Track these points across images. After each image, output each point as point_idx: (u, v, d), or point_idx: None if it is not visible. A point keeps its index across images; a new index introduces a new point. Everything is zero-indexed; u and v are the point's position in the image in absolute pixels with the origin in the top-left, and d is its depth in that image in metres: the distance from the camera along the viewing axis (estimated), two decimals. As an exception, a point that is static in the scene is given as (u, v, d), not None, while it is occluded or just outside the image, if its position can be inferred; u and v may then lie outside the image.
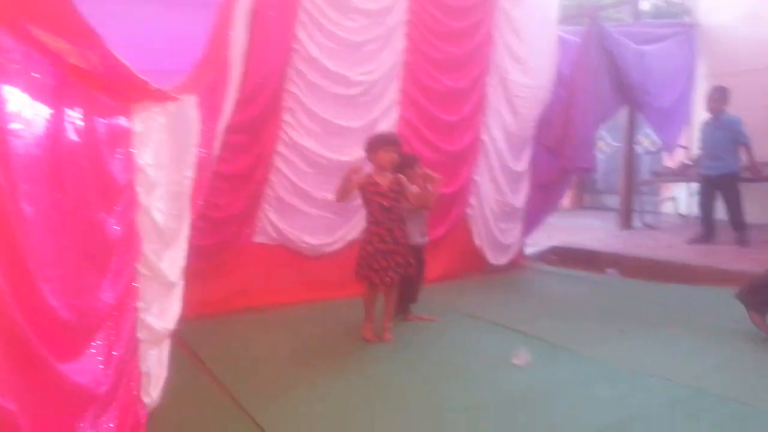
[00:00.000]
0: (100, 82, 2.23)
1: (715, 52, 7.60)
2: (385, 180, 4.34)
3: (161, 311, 2.84)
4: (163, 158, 2.95)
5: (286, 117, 5.29)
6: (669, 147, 7.48)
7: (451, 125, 5.86)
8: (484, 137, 6.06)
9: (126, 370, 2.62)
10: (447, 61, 5.72)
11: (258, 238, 5.46)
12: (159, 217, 2.88)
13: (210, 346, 4.28)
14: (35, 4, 1.74)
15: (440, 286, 5.42)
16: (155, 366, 2.96)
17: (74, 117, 2.12)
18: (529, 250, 7.06)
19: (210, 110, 3.89)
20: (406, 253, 4.35)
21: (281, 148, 5.34)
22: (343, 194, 4.41)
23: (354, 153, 5.42)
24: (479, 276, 6.06)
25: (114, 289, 2.47)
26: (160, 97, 2.71)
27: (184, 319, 4.58)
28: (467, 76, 5.83)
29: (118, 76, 2.24)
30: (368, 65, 5.42)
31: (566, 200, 10.27)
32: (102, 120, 2.35)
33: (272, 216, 5.45)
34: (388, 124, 5.61)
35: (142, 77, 2.42)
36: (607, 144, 9.91)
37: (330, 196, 5.42)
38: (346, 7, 5.22)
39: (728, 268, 5.30)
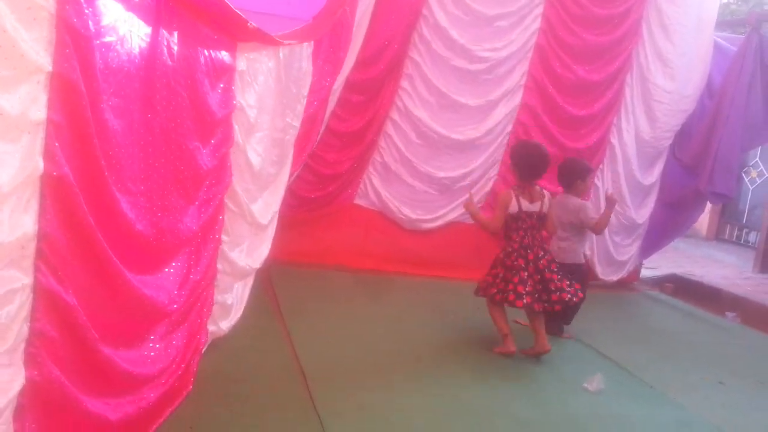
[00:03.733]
0: (204, 13, 2.27)
1: None
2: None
3: (249, 249, 2.92)
4: (267, 102, 3.00)
5: (404, 83, 5.24)
6: None
7: (578, 120, 5.49)
8: (613, 140, 5.62)
9: (201, 295, 2.72)
10: (583, 49, 5.34)
11: (358, 201, 5.52)
12: (256, 159, 2.94)
13: (291, 294, 4.42)
14: None
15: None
16: (233, 299, 3.06)
17: (171, 41, 2.16)
18: (645, 272, 6.55)
19: (327, 63, 3.92)
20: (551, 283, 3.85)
21: (394, 114, 5.32)
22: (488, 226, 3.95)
23: (467, 132, 5.29)
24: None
25: (199, 217, 2.55)
26: (268, 40, 2.72)
27: (276, 262, 4.89)
28: (604, 70, 5.41)
29: (219, 7, 2.26)
30: (496, 41, 5.20)
31: (704, 227, 9.42)
32: (203, 50, 2.39)
33: (375, 181, 5.47)
34: (508, 107, 5.39)
35: (243, 16, 2.42)
36: (759, 173, 8.95)
37: (435, 171, 5.37)
38: (482, -23, 5.01)
39: None
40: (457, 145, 5.34)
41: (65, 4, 1.69)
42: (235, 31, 2.53)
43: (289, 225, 5.24)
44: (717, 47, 5.69)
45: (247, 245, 2.89)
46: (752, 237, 8.59)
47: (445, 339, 3.99)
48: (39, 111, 1.63)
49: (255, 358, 3.25)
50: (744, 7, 10.37)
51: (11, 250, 1.57)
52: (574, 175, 4.22)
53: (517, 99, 5.40)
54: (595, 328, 4.53)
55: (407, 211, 5.47)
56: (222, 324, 2.96)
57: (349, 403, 2.89)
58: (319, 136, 4.76)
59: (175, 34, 2.20)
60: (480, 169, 5.46)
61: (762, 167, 8.79)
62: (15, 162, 1.58)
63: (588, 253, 5.70)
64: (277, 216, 3.22)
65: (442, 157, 5.39)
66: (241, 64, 2.69)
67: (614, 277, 5.86)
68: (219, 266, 2.78)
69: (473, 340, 3.99)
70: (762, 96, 5.65)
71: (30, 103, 1.60)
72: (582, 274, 4.29)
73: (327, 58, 3.90)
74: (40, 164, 1.64)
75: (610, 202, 4.27)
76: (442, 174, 5.39)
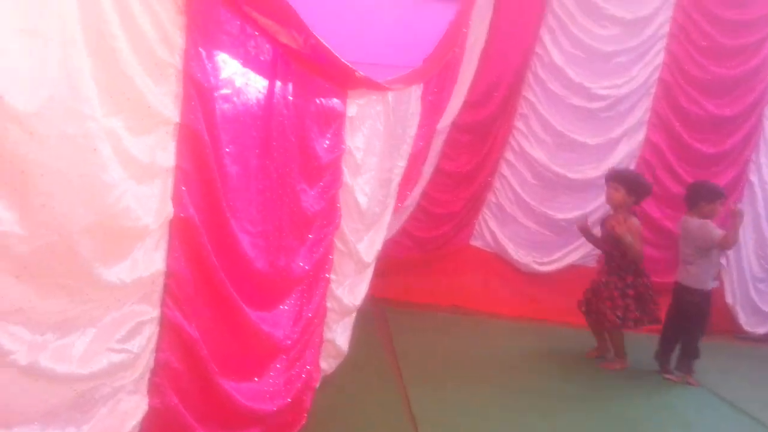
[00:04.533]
0: (316, 66, 2.40)
1: None
2: (610, 221, 4.18)
3: (351, 287, 3.00)
4: (375, 145, 3.10)
5: (518, 123, 5.19)
6: None
7: (709, 158, 5.15)
8: (753, 178, 5.23)
9: (314, 332, 2.82)
10: (713, 83, 5.04)
11: (474, 242, 5.48)
12: (363, 199, 3.03)
13: (406, 335, 4.42)
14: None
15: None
16: (339, 337, 3.13)
17: (286, 92, 2.31)
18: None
19: (433, 103, 3.99)
20: (612, 302, 4.10)
21: (509, 154, 5.26)
22: (602, 247, 4.41)
23: (586, 171, 5.12)
24: (728, 340, 5.19)
25: (311, 257, 2.66)
26: (376, 86, 2.83)
27: (392, 302, 4.96)
28: (738, 103, 5.07)
29: (329, 60, 2.38)
30: (616, 78, 5.04)
31: None
32: (315, 99, 2.53)
33: (491, 222, 5.41)
34: (630, 145, 5.16)
35: (351, 66, 2.54)
36: None
37: (552, 212, 5.23)
38: (598, 14, 4.92)
39: None
40: (576, 185, 5.18)
41: (190, 61, 1.86)
42: (345, 81, 2.66)
43: (406, 266, 5.33)
44: None
45: (350, 283, 2.96)
46: None
47: (561, 389, 3.80)
48: (168, 158, 1.80)
49: (366, 397, 3.27)
50: None
51: (144, 285, 1.72)
52: (699, 196, 4.13)
53: (640, 136, 5.17)
54: (738, 384, 4.17)
55: (522, 254, 5.34)
56: (331, 361, 3.03)
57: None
58: (423, 176, 4.81)
59: (290, 85, 2.35)
60: (600, 210, 5.22)
61: None
62: (153, 204, 1.75)
63: (730, 301, 5.27)
64: (378, 254, 3.28)
65: (560, 197, 5.23)
66: (351, 110, 2.81)
67: (762, 329, 5.33)
68: (328, 304, 2.86)
69: (595, 389, 3.77)
70: None
71: (160, 150, 1.77)
72: (704, 302, 4.08)
73: (434, 98, 3.98)
74: (170, 207, 1.80)
75: (736, 215, 4.02)
76: (560, 215, 5.23)
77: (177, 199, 1.82)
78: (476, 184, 5.28)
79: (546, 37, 5.00)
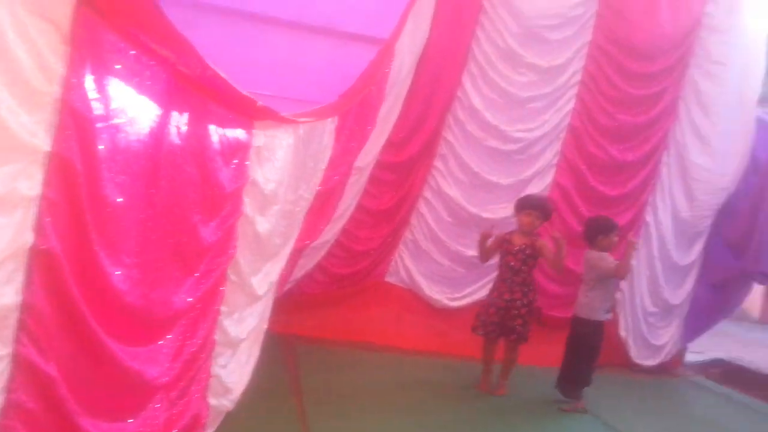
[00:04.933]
0: (216, 95, 2.39)
1: None
2: (519, 240, 4.39)
3: (240, 319, 2.93)
4: (283, 176, 3.08)
5: (437, 163, 5.29)
6: None
7: (611, 200, 5.38)
8: (649, 219, 5.48)
9: (199, 368, 2.73)
10: (618, 129, 5.29)
11: (389, 278, 5.50)
12: (264, 230, 2.99)
13: (316, 371, 4.39)
14: (139, 15, 1.91)
15: None
16: (232, 372, 3.05)
17: (180, 121, 2.28)
18: (691, 357, 6.19)
19: (351, 139, 4.03)
20: (522, 320, 4.32)
21: (427, 192, 5.35)
22: (482, 256, 4.60)
23: (498, 211, 5.24)
24: (621, 372, 5.42)
25: (197, 289, 2.59)
26: (279, 118, 2.83)
27: (303, 339, 4.90)
28: (639, 149, 5.33)
29: (227, 91, 2.38)
30: (530, 123, 5.22)
31: (756, 310, 8.90)
32: (217, 129, 2.50)
33: (406, 259, 5.45)
34: (540, 186, 5.33)
35: (252, 97, 2.54)
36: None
37: (464, 249, 5.33)
38: (517, 61, 5.10)
39: None
40: (489, 223, 5.29)
41: (71, 90, 1.82)
42: (248, 111, 2.65)
43: (318, 302, 5.30)
44: (762, 123, 5.55)
45: (238, 315, 2.90)
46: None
47: (463, 420, 3.83)
48: (33, 187, 1.74)
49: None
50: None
51: (-8, 320, 1.63)
52: (595, 230, 4.43)
53: (548, 178, 5.36)
54: (627, 413, 4.36)
55: (436, 290, 5.41)
56: (224, 399, 2.93)
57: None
58: (344, 213, 4.83)
59: (187, 115, 2.32)
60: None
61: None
62: (6, 236, 1.67)
63: (623, 334, 5.48)
64: (274, 286, 3.23)
65: (472, 235, 5.31)
66: (258, 140, 2.79)
67: (651, 362, 5.57)
68: (216, 337, 2.79)
69: (491, 420, 3.85)
70: (813, 173, 5.42)
71: (24, 179, 1.71)
72: (595, 332, 4.31)
73: (352, 135, 4.02)
74: (30, 238, 1.72)
75: (630, 246, 4.35)
76: (471, 252, 5.31)
77: (39, 230, 1.75)
78: (396, 221, 5.32)
79: (467, 82, 5.13)
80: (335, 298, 5.28)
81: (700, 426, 4.42)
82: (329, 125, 3.63)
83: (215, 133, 2.54)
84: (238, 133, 2.70)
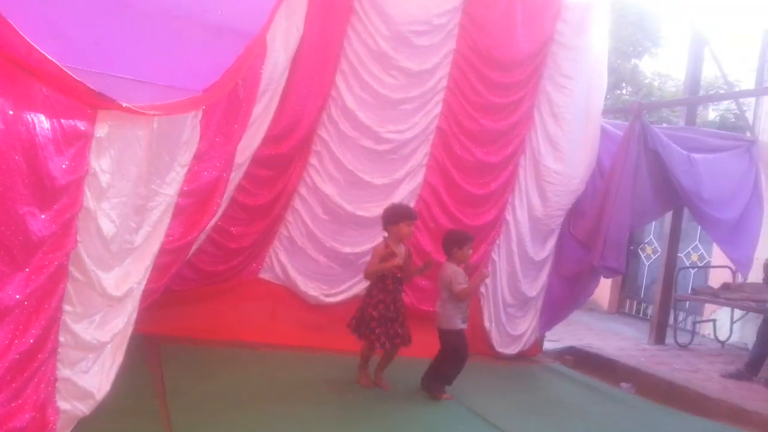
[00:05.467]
0: (55, 81, 2.27)
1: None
2: (400, 251, 4.48)
3: (101, 323, 2.79)
4: (130, 170, 2.94)
5: (313, 160, 5.37)
6: (741, 265, 6.80)
7: (477, 199, 5.76)
8: (509, 217, 5.92)
9: (38, 369, 2.54)
10: (481, 133, 5.67)
11: (264, 275, 5.49)
12: (107, 225, 2.82)
13: (180, 370, 4.28)
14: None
15: None
16: (94, 376, 2.91)
17: (5, 106, 2.12)
18: (549, 345, 6.72)
19: (219, 135, 3.97)
20: (404, 324, 4.47)
21: (302, 189, 5.41)
22: (373, 276, 4.49)
23: (371, 210, 5.40)
24: (485, 361, 5.79)
25: (28, 286, 2.40)
26: (127, 110, 2.71)
27: (169, 339, 4.75)
28: (500, 152, 5.76)
29: (59, 77, 2.26)
30: (401, 124, 5.45)
31: (606, 301, 9.82)
32: (50, 116, 2.35)
33: (281, 255, 5.47)
34: (412, 186, 5.59)
35: (92, 88, 2.43)
36: (653, 250, 9.51)
37: (340, 246, 5.44)
38: (388, 64, 5.31)
39: (748, 408, 4.85)
40: (363, 221, 5.45)
41: None
42: (90, 99, 2.52)
43: (188, 300, 5.16)
44: (606, 132, 6.17)
45: (100, 318, 2.76)
46: (650, 310, 9.00)
47: (339, 416, 3.91)
48: None
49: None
50: (634, 97, 11.38)
51: None
52: (451, 243, 4.64)
53: (419, 178, 5.62)
54: (488, 398, 4.63)
55: (312, 285, 5.48)
56: (79, 404, 2.77)
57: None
58: (219, 210, 4.76)
59: (11, 99, 2.16)
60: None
61: (656, 244, 9.35)
62: None
63: (487, 325, 5.86)
64: (140, 289, 3.08)
65: (348, 232, 5.48)
66: (101, 131, 2.65)
67: (512, 350, 5.99)
68: (61, 338, 2.63)
69: (366, 416, 3.96)
70: (648, 178, 6.10)
71: None
72: (456, 339, 4.54)
73: (219, 130, 3.95)
74: None
75: (480, 275, 4.83)
76: (347, 249, 5.47)
77: None
78: (270, 217, 5.33)
79: (340, 82, 5.26)
80: (207, 295, 5.19)
81: (552, 406, 4.81)
82: (191, 119, 3.52)
83: (47, 120, 2.36)
84: (76, 122, 2.52)
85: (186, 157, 3.42)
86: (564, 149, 5.80)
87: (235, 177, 4.88)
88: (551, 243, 6.05)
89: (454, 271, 4.53)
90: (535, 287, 6.00)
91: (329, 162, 5.40)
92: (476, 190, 5.73)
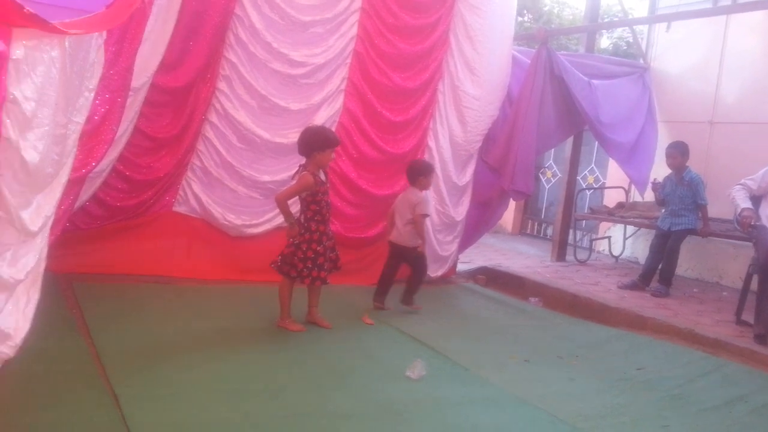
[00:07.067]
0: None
1: (665, 99, 7.74)
2: (323, 177, 4.26)
3: (13, 259, 2.56)
4: (49, 95, 2.67)
5: (221, 85, 5.09)
6: (639, 184, 7.27)
7: (396, 125, 5.72)
8: (431, 143, 5.92)
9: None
10: (399, 57, 5.58)
11: (178, 208, 5.25)
12: (33, 157, 2.57)
13: (101, 309, 4.08)
14: None
15: (373, 289, 5.17)
16: (9, 316, 2.69)
17: None
18: (461, 266, 6.98)
19: (118, 56, 3.67)
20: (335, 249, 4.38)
21: (213, 117, 5.14)
22: (283, 205, 4.11)
23: (289, 136, 5.23)
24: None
25: None
26: (49, 28, 2.44)
27: (83, 276, 4.49)
28: (418, 77, 5.70)
29: None
30: (314, 48, 5.26)
31: (509, 224, 10.28)
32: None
33: (195, 187, 5.24)
34: (330, 112, 5.44)
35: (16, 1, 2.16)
36: (553, 174, 10.00)
37: (258, 175, 5.27)
38: (295, -19, 5.05)
39: (644, 315, 5.32)
40: (281, 148, 5.29)
41: None
42: (6, 16, 2.23)
43: (99, 236, 4.86)
44: (514, 59, 6.25)
45: (11, 254, 2.53)
46: (550, 231, 9.56)
47: (276, 350, 3.90)
48: None
49: (61, 383, 2.93)
50: (536, 24, 11.65)
51: None
52: (417, 172, 4.95)
53: (338, 103, 5.48)
54: (414, 319, 4.79)
55: (232, 217, 5.30)
56: (1, 346, 2.58)
57: (163, 419, 2.72)
58: (120, 138, 4.45)
59: None
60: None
61: (555, 168, 9.84)
62: None
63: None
64: (50, 221, 2.88)
65: (266, 160, 5.30)
66: (18, 52, 2.36)
67: (440, 273, 6.15)
68: None
69: (294, 340, 3.98)
70: (552, 104, 6.32)
71: None
72: (419, 255, 4.99)
73: (118, 51, 3.65)
74: None
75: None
76: (266, 178, 5.30)
77: None
78: (182, 147, 5.05)
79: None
80: (119, 232, 4.92)
81: (472, 323, 5.05)
82: (97, 39, 3.24)
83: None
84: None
85: (93, 81, 3.13)
86: (481, 74, 5.83)
87: (134, 103, 4.59)
88: (471, 168, 6.15)
89: (424, 197, 4.91)
90: (460, 212, 6.12)
91: (240, 87, 5.14)
92: (396, 117, 5.67)
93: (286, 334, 4.11)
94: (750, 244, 5.30)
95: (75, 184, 3.78)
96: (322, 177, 4.22)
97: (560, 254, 7.96)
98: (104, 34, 3.31)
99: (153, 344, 3.64)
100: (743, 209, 4.96)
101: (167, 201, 5.18)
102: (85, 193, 4.53)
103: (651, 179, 6.80)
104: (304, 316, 4.34)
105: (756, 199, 5.09)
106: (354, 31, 5.43)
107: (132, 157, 4.85)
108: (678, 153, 6.11)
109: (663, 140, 7.44)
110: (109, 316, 3.97)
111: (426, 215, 4.96)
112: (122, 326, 3.84)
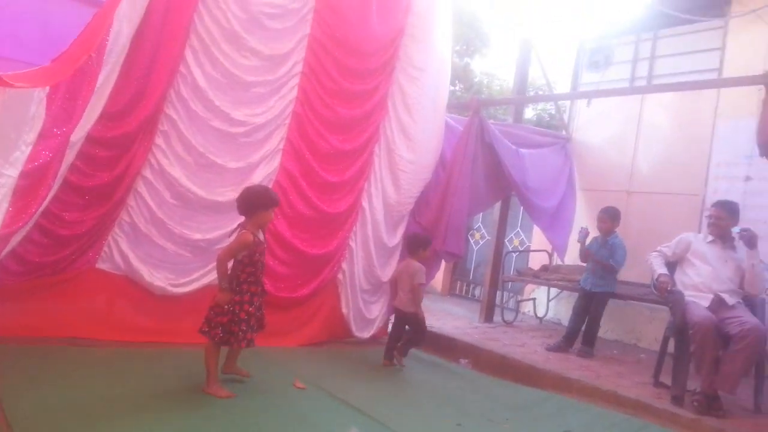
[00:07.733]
0: None
1: (585, 168, 8.21)
2: (261, 239, 4.20)
3: None
4: None
5: (159, 141, 5.01)
6: (559, 250, 7.62)
7: (333, 186, 5.78)
8: (365, 204, 6.00)
9: None
10: (337, 120, 5.70)
11: (101, 265, 5.02)
12: None
13: (15, 374, 3.80)
14: None
15: (302, 351, 5.05)
16: None
17: None
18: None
19: (62, 111, 3.58)
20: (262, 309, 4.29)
21: (147, 172, 5.02)
22: (223, 267, 4.04)
23: (226, 194, 5.19)
24: (338, 346, 5.88)
25: None
26: None
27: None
28: (355, 140, 5.82)
29: None
30: (255, 107, 5.29)
31: (439, 284, 10.42)
32: None
33: (122, 244, 5.03)
34: (267, 170, 5.44)
35: None
36: (481, 236, 10.29)
37: (190, 233, 5.15)
38: (240, 44, 5.13)
39: (570, 376, 5.47)
40: (216, 206, 5.21)
41: None
42: None
43: (12, 295, 4.56)
44: (447, 126, 6.52)
45: None
46: (478, 291, 9.76)
47: (198, 415, 3.73)
48: None
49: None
50: (467, 94, 12.22)
51: None
52: (417, 245, 5.56)
53: (275, 162, 5.49)
54: (346, 382, 4.72)
55: (158, 275, 5.11)
56: None
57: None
58: (51, 193, 4.27)
59: None
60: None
61: (483, 230, 10.16)
62: None
63: (345, 311, 5.98)
64: None
65: (199, 217, 5.19)
66: None
67: (366, 334, 6.14)
68: None
69: (222, 406, 3.83)
70: (483, 169, 6.61)
71: None
72: (419, 319, 5.48)
73: (63, 106, 3.56)
74: None
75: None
76: (198, 236, 5.18)
77: None
78: (111, 202, 4.87)
79: (190, 58, 4.97)
80: (37, 289, 4.64)
81: (404, 385, 5.04)
82: (39, 93, 3.18)
83: None
84: None
85: (32, 135, 3.04)
86: (416, 139, 6.03)
87: (69, 156, 4.42)
88: (401, 230, 6.26)
89: (420, 268, 5.44)
90: (387, 273, 6.18)
91: (177, 143, 5.07)
92: (332, 177, 5.74)
93: (213, 400, 3.94)
94: (665, 308, 5.60)
95: (3, 240, 3.59)
96: (261, 237, 4.18)
97: (488, 315, 8.10)
98: (47, 88, 3.24)
99: (71, 412, 3.40)
100: (660, 275, 5.25)
101: (90, 257, 4.94)
102: (7, 248, 4.28)
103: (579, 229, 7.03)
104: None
105: (671, 265, 5.42)
106: (294, 93, 5.51)
107: (57, 211, 4.63)
108: (608, 217, 6.46)
109: (583, 208, 7.89)
110: (24, 381, 3.71)
111: (423, 284, 5.51)
112: (38, 392, 3.58)
